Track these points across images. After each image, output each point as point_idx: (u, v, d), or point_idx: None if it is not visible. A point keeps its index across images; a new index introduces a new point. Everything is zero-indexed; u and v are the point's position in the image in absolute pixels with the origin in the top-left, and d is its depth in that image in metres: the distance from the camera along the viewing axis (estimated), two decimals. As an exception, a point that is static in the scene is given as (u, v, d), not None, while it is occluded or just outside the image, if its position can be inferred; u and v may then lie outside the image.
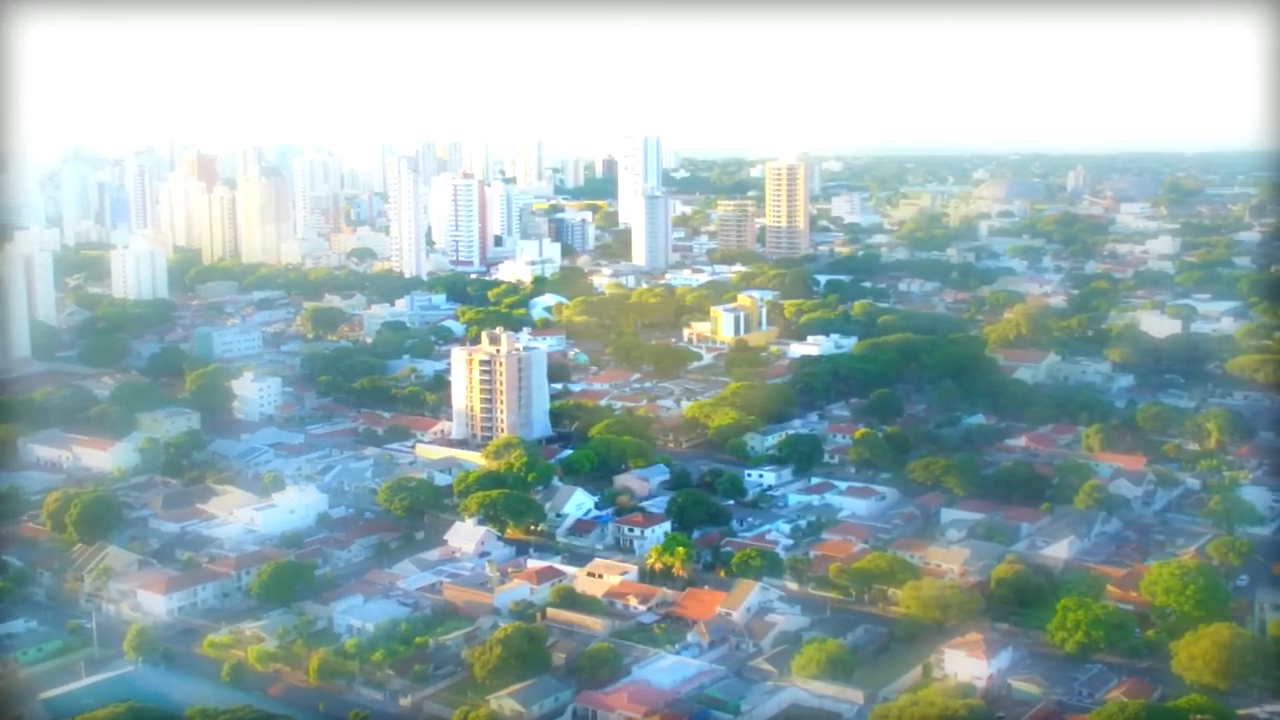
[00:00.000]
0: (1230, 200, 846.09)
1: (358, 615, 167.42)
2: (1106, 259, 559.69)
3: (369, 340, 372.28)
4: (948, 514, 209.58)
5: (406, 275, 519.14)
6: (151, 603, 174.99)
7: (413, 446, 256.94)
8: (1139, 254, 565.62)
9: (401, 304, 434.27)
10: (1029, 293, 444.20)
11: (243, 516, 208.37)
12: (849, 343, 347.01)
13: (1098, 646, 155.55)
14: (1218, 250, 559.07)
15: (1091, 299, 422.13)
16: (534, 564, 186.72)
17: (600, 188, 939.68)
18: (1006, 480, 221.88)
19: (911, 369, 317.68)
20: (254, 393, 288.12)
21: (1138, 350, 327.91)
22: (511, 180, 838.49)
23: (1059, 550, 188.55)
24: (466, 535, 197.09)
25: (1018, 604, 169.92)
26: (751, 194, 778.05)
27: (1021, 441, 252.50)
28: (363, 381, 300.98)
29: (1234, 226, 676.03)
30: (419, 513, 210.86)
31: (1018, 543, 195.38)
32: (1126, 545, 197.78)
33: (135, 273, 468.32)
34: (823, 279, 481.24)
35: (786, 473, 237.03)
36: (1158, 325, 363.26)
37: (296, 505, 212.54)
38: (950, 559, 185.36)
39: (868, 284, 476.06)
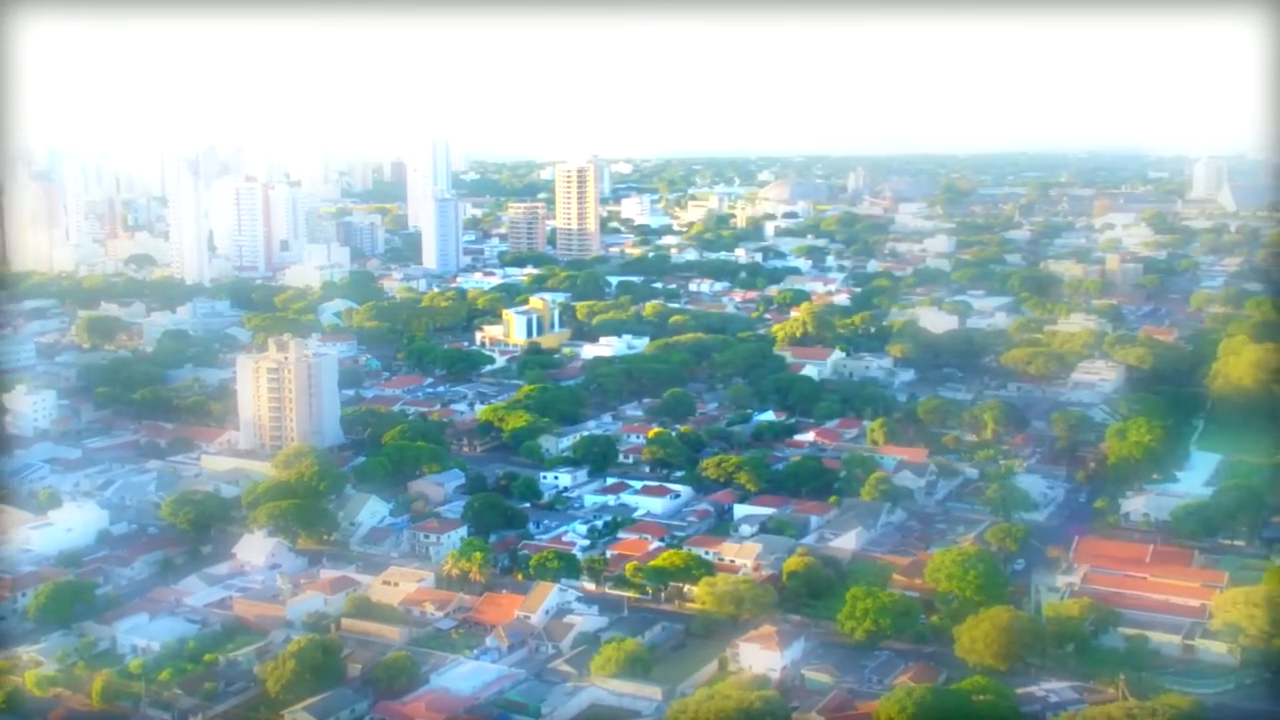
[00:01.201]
0: (1000, 200, 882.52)
1: (143, 634, 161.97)
2: (887, 257, 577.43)
3: (149, 349, 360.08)
4: (740, 510, 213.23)
5: (188, 282, 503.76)
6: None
7: (198, 458, 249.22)
8: (917, 252, 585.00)
9: (183, 311, 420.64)
10: (814, 291, 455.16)
11: (17, 536, 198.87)
12: (641, 343, 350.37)
13: (886, 634, 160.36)
14: (990, 248, 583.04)
15: (873, 296, 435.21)
16: (327, 574, 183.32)
17: (389, 191, 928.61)
18: (796, 475, 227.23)
19: (703, 368, 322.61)
20: (27, 406, 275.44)
21: (918, 346, 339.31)
22: (297, 184, 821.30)
23: (847, 541, 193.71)
24: (256, 547, 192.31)
25: (809, 595, 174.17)
26: (542, 196, 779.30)
27: (810, 437, 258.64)
28: (144, 392, 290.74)
29: (1005, 225, 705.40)
30: (206, 526, 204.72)
31: (808, 535, 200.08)
32: (911, 534, 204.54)
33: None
34: (614, 280, 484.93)
35: (582, 474, 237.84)
36: (936, 321, 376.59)
37: (74, 522, 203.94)
38: (743, 554, 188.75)
39: (659, 285, 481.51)
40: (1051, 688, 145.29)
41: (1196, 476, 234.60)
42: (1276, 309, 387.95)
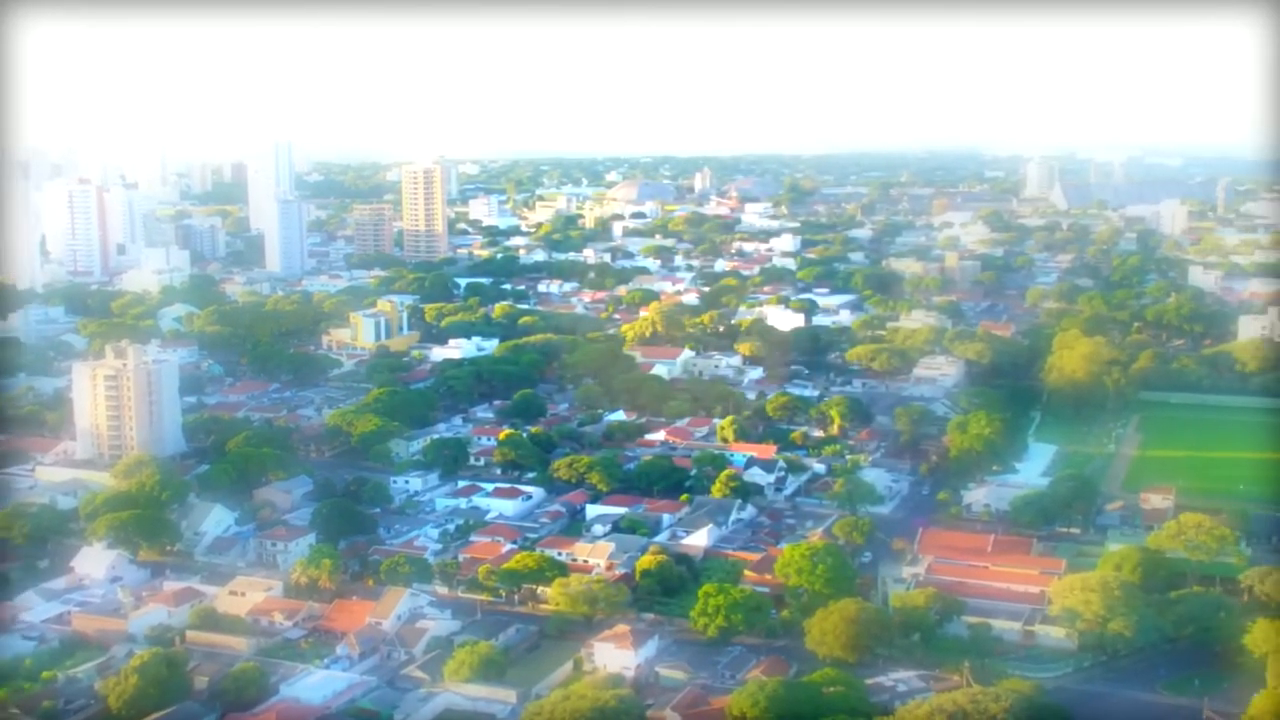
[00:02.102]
0: (843, 199, 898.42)
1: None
2: (734, 257, 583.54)
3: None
4: (593, 510, 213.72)
5: (19, 288, 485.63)
6: None
7: (33, 469, 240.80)
8: (764, 251, 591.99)
9: (15, 319, 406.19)
10: (663, 291, 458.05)
11: None
12: (491, 345, 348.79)
13: (738, 629, 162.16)
14: (834, 247, 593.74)
15: (721, 295, 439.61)
16: (171, 586, 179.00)
17: (229, 193, 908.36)
18: (648, 474, 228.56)
19: (553, 369, 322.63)
20: None
21: (766, 343, 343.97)
22: (133, 186, 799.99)
23: (699, 539, 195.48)
24: (96, 560, 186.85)
25: (662, 594, 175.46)
26: (388, 198, 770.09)
27: (660, 436, 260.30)
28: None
29: (848, 224, 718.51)
30: (42, 539, 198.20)
31: (660, 534, 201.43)
32: (761, 530, 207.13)
33: None
34: (463, 282, 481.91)
35: (433, 477, 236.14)
36: (783, 319, 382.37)
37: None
38: (596, 554, 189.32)
39: (508, 286, 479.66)
40: (899, 677, 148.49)
41: (1034, 467, 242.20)
42: (1107, 304, 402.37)
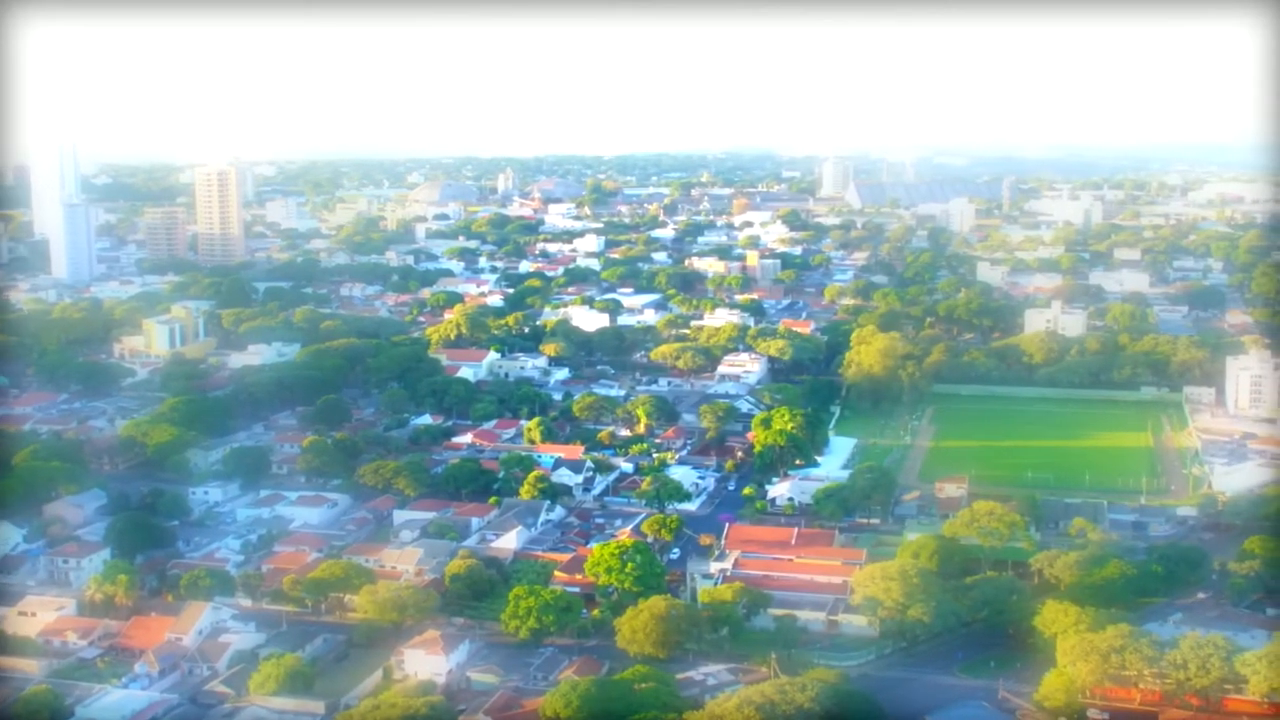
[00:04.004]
0: (645, 200, 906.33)
1: None
2: (538, 258, 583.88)
3: None
4: (400, 515, 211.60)
5: None
6: None
7: None
8: (568, 252, 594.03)
9: None
10: (467, 293, 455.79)
11: None
12: (292, 350, 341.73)
13: (549, 630, 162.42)
14: (638, 247, 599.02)
15: (526, 297, 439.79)
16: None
17: (11, 197, 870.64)
18: (455, 478, 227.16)
19: (357, 373, 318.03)
20: None
21: (571, 344, 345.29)
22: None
23: (508, 541, 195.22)
24: None
25: (472, 598, 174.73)
26: (181, 200, 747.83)
27: (468, 439, 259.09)
28: None
29: (650, 224, 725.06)
30: None
31: (469, 538, 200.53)
32: (570, 531, 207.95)
33: None
34: (261, 286, 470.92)
35: (233, 487, 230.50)
36: (588, 320, 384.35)
37: None
38: (404, 560, 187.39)
39: (308, 290, 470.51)
40: (709, 671, 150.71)
41: (835, 460, 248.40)
42: (901, 300, 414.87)
